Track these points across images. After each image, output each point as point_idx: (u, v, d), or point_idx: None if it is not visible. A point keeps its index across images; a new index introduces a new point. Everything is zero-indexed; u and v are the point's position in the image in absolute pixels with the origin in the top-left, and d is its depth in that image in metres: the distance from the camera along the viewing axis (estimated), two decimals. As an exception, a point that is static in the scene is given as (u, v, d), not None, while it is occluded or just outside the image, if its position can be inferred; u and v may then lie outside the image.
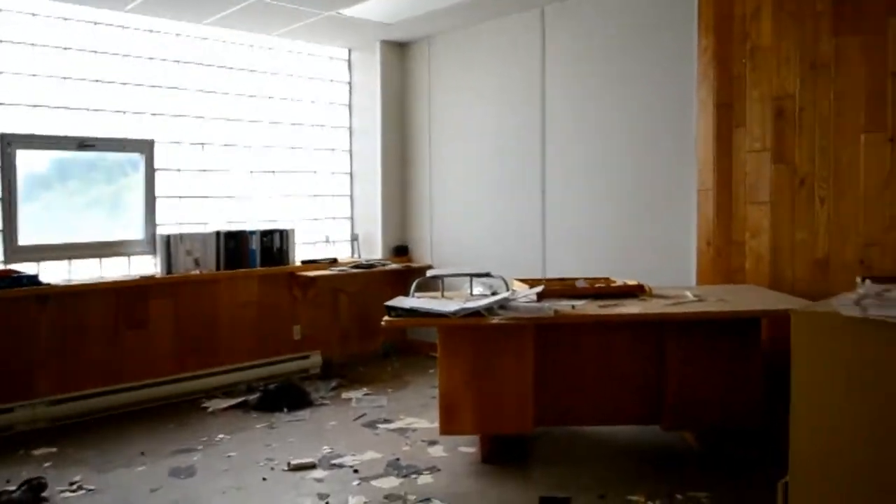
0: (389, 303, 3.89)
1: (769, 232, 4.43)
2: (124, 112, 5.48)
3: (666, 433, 4.07)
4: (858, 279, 1.71)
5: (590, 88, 5.41)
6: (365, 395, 5.37)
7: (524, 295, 4.02)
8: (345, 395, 5.38)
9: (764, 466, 3.73)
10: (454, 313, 3.66)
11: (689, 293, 4.05)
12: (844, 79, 4.13)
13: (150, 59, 5.63)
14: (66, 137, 5.16)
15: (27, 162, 5.00)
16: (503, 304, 3.83)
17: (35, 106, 5.06)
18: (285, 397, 5.14)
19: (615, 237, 5.27)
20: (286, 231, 6.12)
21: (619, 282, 4.38)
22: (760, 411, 3.81)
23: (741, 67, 4.55)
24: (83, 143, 5.24)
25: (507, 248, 6.00)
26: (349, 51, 6.93)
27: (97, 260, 5.35)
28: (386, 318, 3.78)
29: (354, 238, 6.88)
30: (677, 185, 4.90)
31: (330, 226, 6.87)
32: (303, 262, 6.28)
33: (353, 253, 6.87)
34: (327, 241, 6.77)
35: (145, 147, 5.54)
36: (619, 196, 5.25)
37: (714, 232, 4.68)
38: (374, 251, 6.83)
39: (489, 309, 3.72)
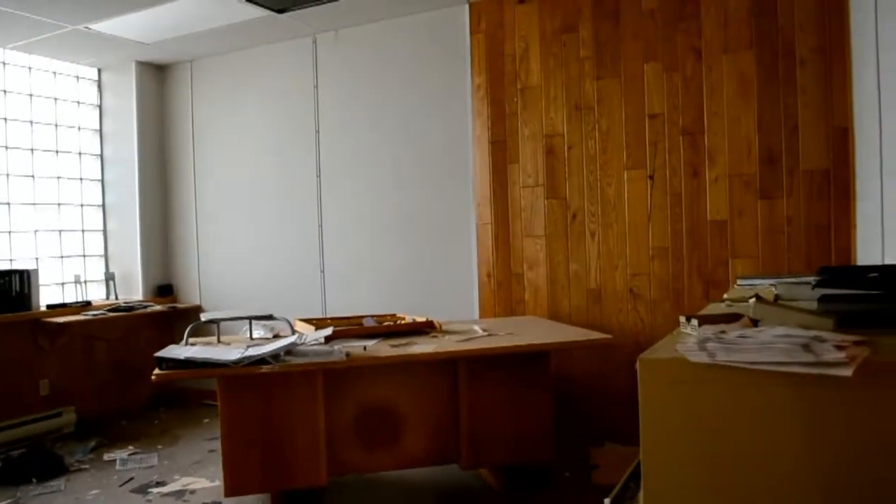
0: (160, 353, 3.48)
1: (545, 264, 4.62)
2: None
3: (464, 472, 4.05)
4: (682, 318, 1.74)
5: (365, 121, 5.34)
6: (131, 454, 4.78)
7: (312, 337, 3.81)
8: (107, 456, 4.76)
9: (558, 498, 3.82)
10: (237, 362, 3.35)
11: (477, 328, 4.08)
12: (607, 119, 4.43)
13: None
14: None
15: None
16: (290, 349, 3.59)
17: None
18: (33, 465, 4.43)
19: (398, 272, 5.22)
20: (27, 271, 5.34)
21: (408, 318, 4.32)
22: (552, 444, 3.90)
23: (513, 105, 4.73)
24: None
25: (284, 286, 5.72)
26: (99, 70, 6.27)
27: None
28: (157, 371, 3.37)
29: (110, 277, 6.20)
30: (457, 219, 4.97)
31: (80, 265, 6.13)
32: (49, 307, 5.52)
33: (108, 294, 6.18)
34: (77, 281, 6.03)
35: None
36: (400, 230, 5.21)
37: (494, 265, 4.80)
38: (134, 291, 6.21)
39: (275, 355, 3.46)
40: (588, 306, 4.50)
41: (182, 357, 3.44)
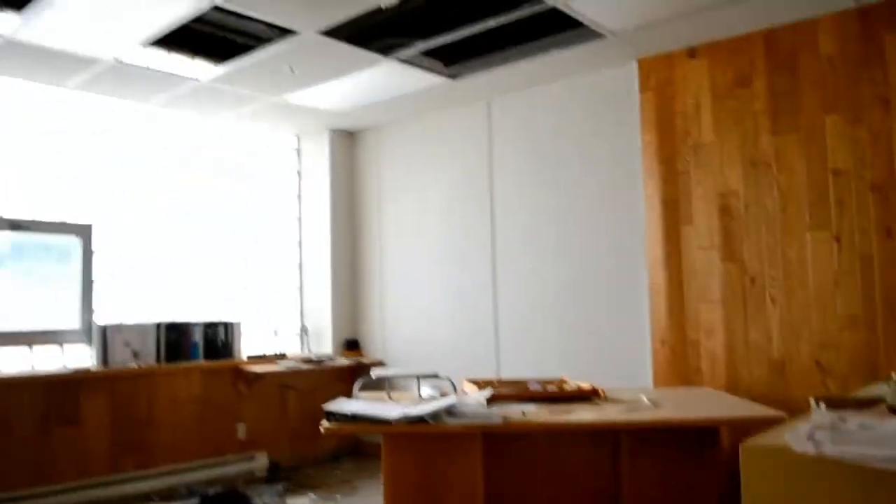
0: (329, 406, 3.69)
1: (722, 331, 4.37)
2: (62, 193, 5.31)
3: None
4: (812, 401, 1.59)
5: (538, 182, 5.39)
6: (312, 501, 5.07)
7: (473, 399, 3.86)
8: (290, 500, 5.08)
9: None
10: (397, 420, 3.47)
11: (644, 397, 3.93)
12: (786, 176, 4.16)
13: (95, 137, 5.49)
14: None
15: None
16: (450, 410, 3.65)
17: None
18: (226, 504, 4.84)
19: (569, 334, 5.16)
20: (231, 324, 5.91)
21: (572, 384, 4.25)
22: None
23: (685, 164, 4.58)
24: (16, 225, 5.01)
25: (461, 344, 5.84)
26: (298, 137, 6.88)
27: (27, 348, 5.05)
28: (324, 423, 3.57)
29: (303, 331, 6.68)
30: (629, 282, 4.84)
31: (278, 318, 6.66)
32: (249, 357, 6.03)
33: (301, 347, 6.65)
34: (275, 334, 6.55)
35: (83, 231, 5.33)
36: (571, 291, 5.16)
37: (667, 331, 4.60)
38: (325, 345, 6.62)
39: (435, 415, 3.54)
40: (770, 379, 4.17)
41: (348, 412, 3.62)
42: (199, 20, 4.07)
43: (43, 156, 5.25)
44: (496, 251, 5.64)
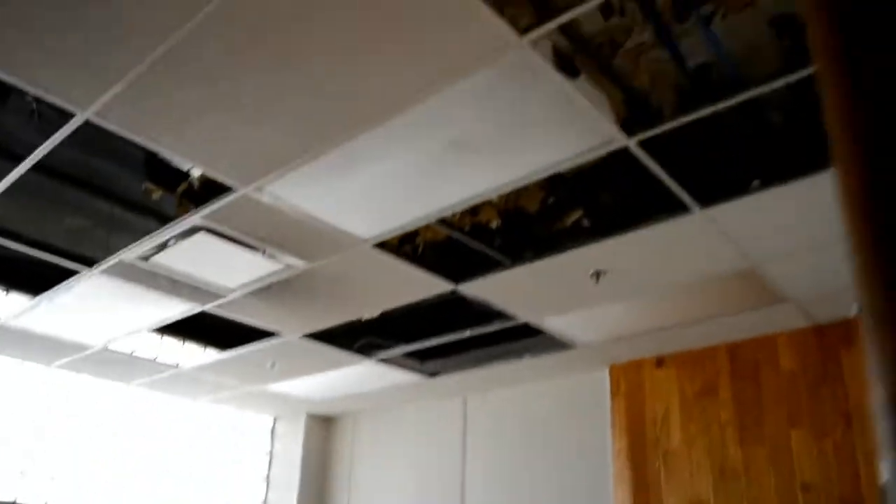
0: None
1: None
2: (14, 470, 5.19)
3: None
4: None
5: (509, 479, 5.36)
6: None
7: None
8: None
9: None
10: None
11: None
12: (756, 490, 4.19)
13: (57, 412, 5.49)
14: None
15: None
16: None
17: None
18: None
19: None
20: None
21: None
22: None
23: (655, 471, 4.62)
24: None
25: None
26: (274, 419, 6.91)
27: None
28: None
29: None
30: (601, 593, 4.65)
31: None
32: None
33: None
34: None
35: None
36: None
37: None
38: None
39: None
40: None
41: None
42: (190, 318, 4.32)
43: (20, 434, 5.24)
44: (466, 550, 5.45)
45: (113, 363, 5.14)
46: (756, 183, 2.82)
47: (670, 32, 2.18)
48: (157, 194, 3.01)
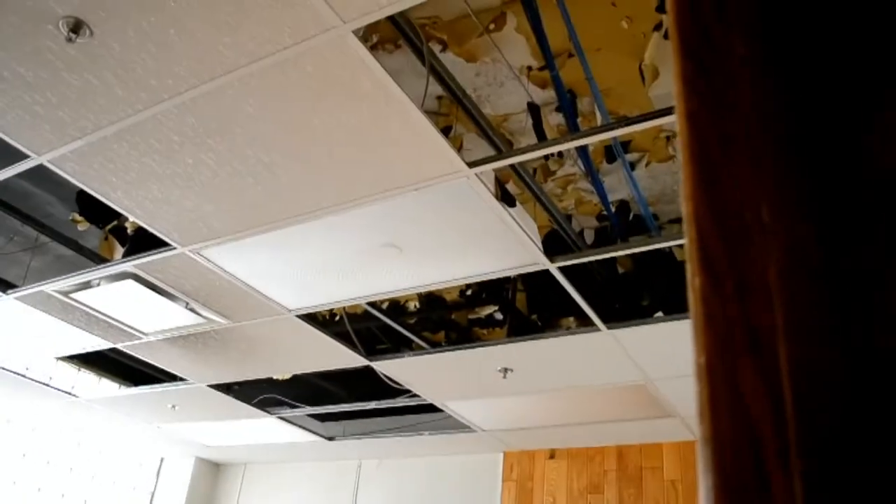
0: None
1: None
2: None
3: None
4: None
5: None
6: None
7: None
8: None
9: None
10: None
11: None
12: None
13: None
14: None
15: None
16: None
17: None
18: None
19: None
20: None
21: None
22: None
23: (534, 561, 4.78)
24: None
25: None
26: (161, 459, 6.76)
27: None
28: None
29: None
30: None
31: None
32: None
33: None
34: None
35: None
36: None
37: None
38: None
39: None
40: None
41: None
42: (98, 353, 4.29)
43: None
44: None
45: (21, 388, 4.99)
46: (659, 314, 3.09)
47: (598, 170, 2.44)
48: (83, 226, 3.07)
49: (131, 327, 3.77)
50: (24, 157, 2.51)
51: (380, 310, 3.47)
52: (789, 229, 0.45)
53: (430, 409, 4.59)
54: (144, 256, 3.06)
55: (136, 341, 3.97)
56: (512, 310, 3.47)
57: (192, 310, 3.49)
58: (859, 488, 0.39)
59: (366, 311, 3.51)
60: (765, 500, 0.40)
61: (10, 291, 3.59)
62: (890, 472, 0.39)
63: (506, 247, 2.65)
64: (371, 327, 3.80)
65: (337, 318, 3.78)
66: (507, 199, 2.38)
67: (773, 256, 0.45)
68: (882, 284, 0.42)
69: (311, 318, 3.54)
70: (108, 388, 4.91)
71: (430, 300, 3.60)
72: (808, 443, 0.40)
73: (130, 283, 3.25)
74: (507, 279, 3.19)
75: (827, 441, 0.40)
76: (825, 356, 0.42)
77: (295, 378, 4.36)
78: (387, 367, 3.97)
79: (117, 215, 2.92)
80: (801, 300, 0.44)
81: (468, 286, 3.42)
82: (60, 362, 4.59)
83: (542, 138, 2.24)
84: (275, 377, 4.31)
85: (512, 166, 2.30)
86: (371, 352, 3.87)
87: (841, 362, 0.42)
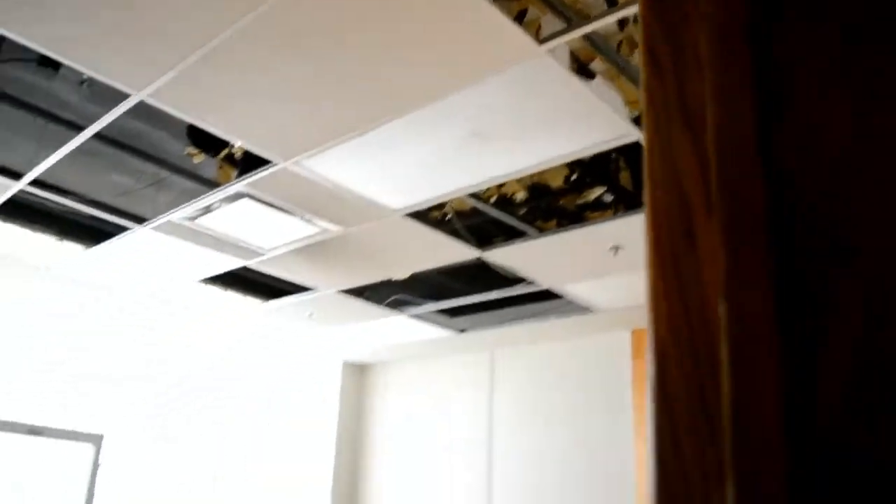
0: None
1: None
2: (79, 399, 5.62)
3: None
4: None
5: (534, 428, 5.64)
6: None
7: None
8: None
9: None
10: None
11: None
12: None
13: (131, 345, 5.89)
14: (16, 423, 5.20)
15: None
16: None
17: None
18: None
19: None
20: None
21: None
22: None
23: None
24: (33, 430, 5.28)
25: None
26: (313, 366, 7.26)
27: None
28: None
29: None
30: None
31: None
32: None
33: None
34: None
35: (95, 440, 5.57)
36: (556, 545, 5.24)
37: None
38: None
39: None
40: None
41: None
42: (233, 273, 4.62)
43: (71, 360, 5.65)
44: (492, 495, 5.77)
45: (170, 309, 5.49)
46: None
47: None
48: (198, 159, 3.26)
49: (255, 244, 4.02)
50: (124, 96, 2.68)
51: (488, 204, 3.50)
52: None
53: (550, 296, 4.65)
54: (252, 175, 3.23)
55: (263, 257, 4.24)
56: (616, 187, 3.41)
57: (307, 220, 3.67)
58: (768, 230, 0.43)
59: (474, 208, 3.56)
60: (691, 249, 0.43)
61: (144, 223, 3.91)
62: (798, 204, 0.42)
63: (591, 122, 2.59)
64: (482, 222, 3.85)
65: (448, 217, 3.85)
66: (584, 72, 2.31)
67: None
68: (796, 61, 0.44)
69: (420, 218, 3.63)
70: (251, 304, 5.30)
71: (536, 190, 3.58)
72: (725, 197, 0.44)
73: (246, 202, 3.45)
74: (608, 159, 3.12)
75: (739, 194, 0.44)
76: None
77: (421, 277, 4.52)
78: (499, 257, 4.04)
79: (227, 143, 3.07)
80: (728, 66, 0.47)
81: (572, 171, 3.37)
82: (203, 285, 4.98)
83: (612, 4, 2.14)
84: (396, 278, 4.49)
85: (592, 41, 2.22)
86: (482, 245, 3.94)
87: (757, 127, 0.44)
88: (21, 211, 3.94)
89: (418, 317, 5.33)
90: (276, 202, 3.47)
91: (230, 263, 4.42)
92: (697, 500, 0.43)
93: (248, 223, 3.71)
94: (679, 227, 0.47)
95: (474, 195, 3.37)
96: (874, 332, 0.40)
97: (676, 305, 0.46)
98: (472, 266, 4.25)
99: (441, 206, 3.51)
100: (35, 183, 3.55)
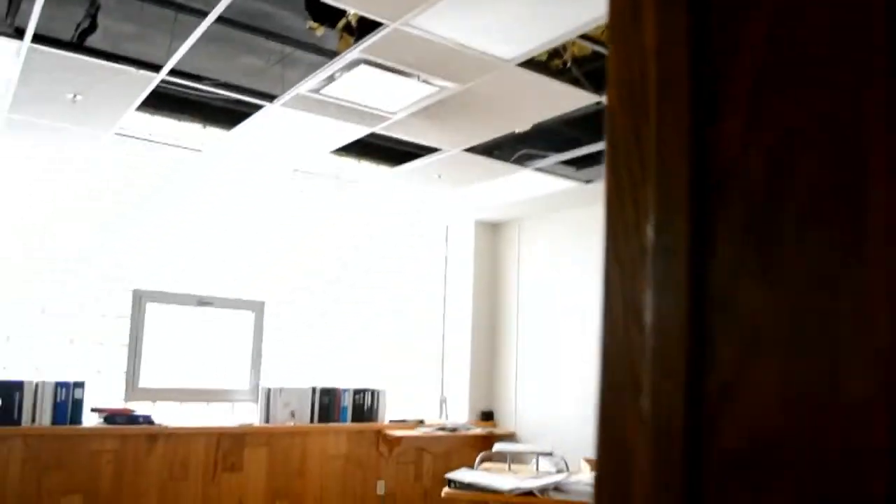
0: (451, 475, 4.21)
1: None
2: (243, 273, 6.26)
3: None
4: None
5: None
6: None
7: (583, 477, 4.24)
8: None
9: None
10: (508, 491, 3.93)
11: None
12: None
13: (280, 226, 6.44)
14: (188, 295, 5.93)
15: (154, 314, 5.77)
16: (558, 486, 4.07)
17: (163, 266, 5.90)
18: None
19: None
20: (377, 391, 6.58)
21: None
22: None
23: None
24: (203, 301, 5.98)
25: (589, 424, 6.16)
26: (447, 227, 7.59)
27: (205, 404, 5.96)
28: (446, 489, 4.08)
29: (443, 400, 7.25)
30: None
31: (421, 385, 7.28)
32: (391, 421, 6.66)
33: (440, 414, 7.21)
34: (417, 401, 7.18)
35: (257, 307, 6.24)
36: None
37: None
38: (461, 414, 7.16)
39: (543, 489, 3.97)
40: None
41: (466, 481, 4.13)
42: (361, 141, 4.87)
43: (235, 239, 6.25)
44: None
45: (307, 183, 5.89)
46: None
47: None
48: (319, 31, 3.43)
49: (379, 109, 4.22)
50: (242, -28, 2.86)
51: (603, 44, 3.48)
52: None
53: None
54: (366, 40, 3.38)
55: (387, 122, 4.45)
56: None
57: (424, 80, 3.81)
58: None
59: (592, 53, 3.55)
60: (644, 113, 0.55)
61: (274, 101, 4.19)
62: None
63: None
64: (599, 67, 3.83)
65: (566, 63, 3.86)
66: None
67: None
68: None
69: (534, 66, 3.67)
70: (383, 172, 5.59)
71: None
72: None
73: (363, 67, 3.63)
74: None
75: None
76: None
77: (540, 131, 4.60)
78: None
79: (343, 12, 3.21)
80: None
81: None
82: (338, 157, 5.29)
83: None
84: (517, 131, 4.58)
85: None
86: (599, 89, 3.94)
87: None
88: (166, 101, 4.32)
89: (544, 170, 5.43)
90: (391, 64, 3.62)
91: (358, 131, 4.66)
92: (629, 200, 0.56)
93: (368, 89, 3.90)
94: None
95: (589, 38, 3.37)
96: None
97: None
98: (592, 114, 4.27)
99: (555, 54, 3.53)
100: (173, 73, 3.88)
